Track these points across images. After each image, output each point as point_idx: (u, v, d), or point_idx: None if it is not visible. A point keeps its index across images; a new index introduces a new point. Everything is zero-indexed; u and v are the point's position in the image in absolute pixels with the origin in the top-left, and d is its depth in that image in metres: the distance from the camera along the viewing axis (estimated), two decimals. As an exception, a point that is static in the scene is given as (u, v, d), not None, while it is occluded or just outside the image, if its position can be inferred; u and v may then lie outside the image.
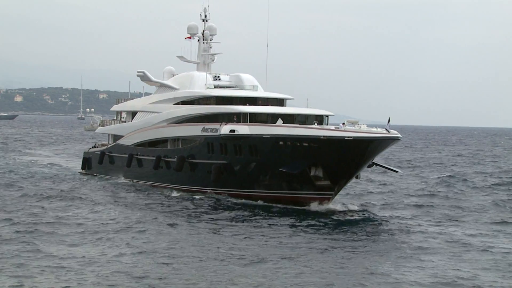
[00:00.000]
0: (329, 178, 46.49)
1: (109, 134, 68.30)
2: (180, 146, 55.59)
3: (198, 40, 61.71)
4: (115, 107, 68.99)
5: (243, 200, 48.83)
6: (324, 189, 46.79)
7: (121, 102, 69.05)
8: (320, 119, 50.94)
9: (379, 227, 40.68)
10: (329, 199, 46.98)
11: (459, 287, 27.69)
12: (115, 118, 70.19)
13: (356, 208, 47.16)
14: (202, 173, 52.29)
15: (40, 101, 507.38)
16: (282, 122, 48.99)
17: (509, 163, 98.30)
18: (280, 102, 55.76)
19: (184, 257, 31.11)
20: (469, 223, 42.59)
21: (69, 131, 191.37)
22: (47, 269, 28.52)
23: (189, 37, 61.76)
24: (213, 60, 61.48)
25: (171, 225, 39.23)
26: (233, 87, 57.89)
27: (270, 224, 40.27)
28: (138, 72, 60.75)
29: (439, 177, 70.28)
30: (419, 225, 41.13)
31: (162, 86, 61.38)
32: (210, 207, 46.27)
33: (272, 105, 54.54)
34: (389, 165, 59.00)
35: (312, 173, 46.64)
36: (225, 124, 49.95)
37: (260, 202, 48.26)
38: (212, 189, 51.56)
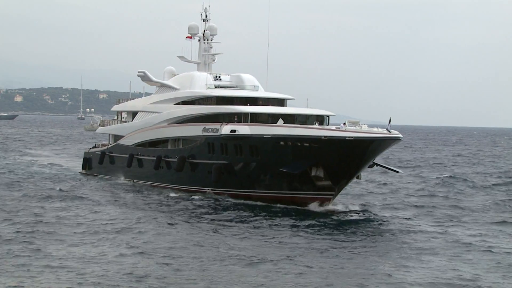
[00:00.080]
0: (330, 178, 46.48)
1: (109, 134, 68.31)
2: (181, 146, 55.59)
3: (199, 40, 61.70)
4: (116, 107, 68.98)
5: (244, 200, 48.82)
6: (325, 189, 46.78)
7: (122, 102, 69.05)
8: (321, 119, 50.93)
9: (380, 227, 40.69)
10: (329, 200, 46.99)
11: (460, 287, 27.70)
12: (115, 118, 70.21)
13: (356, 208, 47.15)
14: (202, 173, 52.28)
15: (40, 101, 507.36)
16: (283, 122, 48.98)
17: (509, 163, 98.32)
18: (280, 102, 55.73)
19: (184, 257, 31.12)
20: (469, 223, 42.60)
21: (69, 131, 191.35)
22: (47, 269, 28.54)
23: (190, 37, 61.76)
24: (213, 60, 61.46)
25: (171, 225, 39.27)
26: (233, 87, 57.87)
27: (270, 224, 40.27)
28: (138, 72, 60.75)
29: (439, 177, 70.31)
30: (419, 225, 41.15)
31: (163, 86, 61.38)
32: (210, 207, 46.27)
33: (272, 105, 54.51)
34: (390, 165, 58.99)
35: (313, 173, 46.64)
36: (226, 124, 49.94)
37: (260, 202, 48.23)
38: (212, 189, 51.59)
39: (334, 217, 43.46)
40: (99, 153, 66.12)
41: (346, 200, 50.27)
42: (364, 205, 48.69)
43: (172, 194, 52.35)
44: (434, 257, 32.43)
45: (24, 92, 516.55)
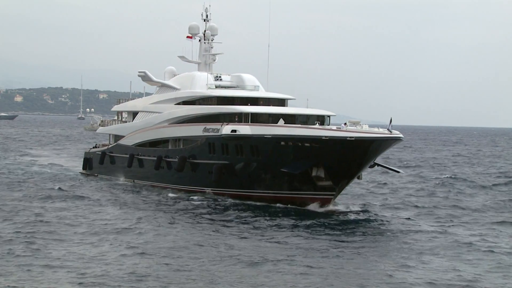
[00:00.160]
0: (330, 178, 46.49)
1: (110, 134, 68.30)
2: (181, 146, 55.58)
3: (199, 40, 61.69)
4: (116, 107, 68.97)
5: (244, 201, 48.81)
6: (325, 190, 46.80)
7: (122, 102, 69.05)
8: (321, 119, 50.90)
9: (380, 227, 40.70)
10: (330, 200, 47.00)
11: (460, 287, 27.72)
12: (115, 118, 70.20)
13: (357, 208, 47.15)
14: (203, 173, 52.28)
15: (40, 101, 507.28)
16: (283, 122, 48.96)
17: (509, 163, 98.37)
18: (281, 102, 55.71)
19: (184, 257, 31.14)
20: (470, 223, 42.61)
21: (69, 131, 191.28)
22: (48, 269, 28.56)
23: (190, 37, 61.73)
24: (214, 60, 61.43)
25: (172, 225, 39.28)
26: (234, 87, 57.85)
27: (270, 225, 40.27)
28: (139, 72, 60.73)
29: (439, 177, 70.36)
30: (420, 225, 41.16)
31: (163, 86, 61.38)
32: (210, 208, 46.28)
33: (273, 105, 54.49)
34: (390, 166, 58.97)
35: (313, 174, 46.63)
36: (227, 124, 49.92)
37: (261, 203, 48.22)
38: (212, 190, 51.58)
39: (335, 217, 43.49)
40: (100, 153, 66.10)
41: (347, 200, 50.31)
42: (365, 205, 48.70)
43: (171, 194, 52.32)
44: (435, 257, 32.45)
45: (24, 92, 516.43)
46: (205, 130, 51.91)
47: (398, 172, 54.43)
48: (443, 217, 44.50)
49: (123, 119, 67.05)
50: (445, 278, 28.70)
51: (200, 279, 27.66)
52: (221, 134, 49.81)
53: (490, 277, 29.26)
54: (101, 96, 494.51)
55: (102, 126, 72.13)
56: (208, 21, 61.86)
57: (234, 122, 50.31)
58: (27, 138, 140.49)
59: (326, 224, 40.95)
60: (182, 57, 61.80)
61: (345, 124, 47.26)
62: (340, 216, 43.96)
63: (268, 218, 42.44)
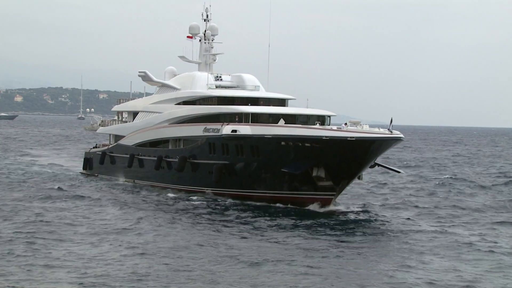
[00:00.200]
0: (331, 178, 46.49)
1: (110, 134, 68.31)
2: (182, 147, 55.59)
3: (200, 40, 61.67)
4: (116, 107, 68.97)
5: (245, 201, 48.82)
6: (326, 190, 46.80)
7: (122, 102, 69.05)
8: (322, 120, 50.88)
9: (380, 227, 40.69)
10: (331, 200, 47.01)
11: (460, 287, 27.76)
12: (115, 118, 70.22)
13: (357, 208, 47.17)
14: (203, 174, 52.28)
15: (40, 101, 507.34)
16: (284, 122, 48.95)
17: (509, 163, 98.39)
18: (281, 102, 55.69)
19: (184, 258, 31.15)
20: (470, 223, 42.61)
21: (69, 131, 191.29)
22: (48, 269, 28.57)
23: (191, 37, 61.72)
24: (214, 60, 61.41)
25: (172, 225, 39.28)
26: (234, 87, 57.82)
27: (270, 225, 40.28)
28: (139, 72, 60.71)
29: (439, 177, 70.38)
30: (420, 225, 41.17)
31: (164, 86, 61.38)
32: (210, 208, 46.29)
33: (273, 105, 54.47)
34: (391, 166, 58.94)
35: (314, 174, 46.63)
36: (227, 124, 49.90)
37: (261, 203, 48.23)
38: (211, 190, 51.57)
39: (335, 217, 43.48)
40: (100, 153, 66.11)
41: (347, 200, 50.32)
42: (365, 205, 48.70)
43: (171, 194, 52.32)
44: (435, 257, 32.45)
45: (24, 92, 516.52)
46: (206, 130, 51.91)
47: (399, 172, 54.36)
48: (443, 217, 44.50)
49: (124, 119, 67.05)
50: (445, 278, 28.70)
51: (200, 279, 27.66)
52: (222, 134, 49.80)
53: (490, 277, 29.26)
54: (101, 96, 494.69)
55: (102, 126, 72.19)
56: (208, 21, 61.84)
57: (235, 122, 50.29)
58: (27, 138, 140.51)
59: (326, 224, 40.96)
60: (182, 57, 61.79)
61: (346, 124, 47.24)
62: (340, 216, 43.96)
63: (268, 218, 42.45)
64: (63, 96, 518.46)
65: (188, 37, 61.69)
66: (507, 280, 28.95)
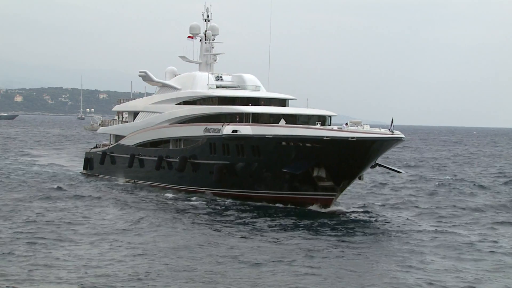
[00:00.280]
0: (332, 178, 46.46)
1: (110, 134, 68.31)
2: (182, 147, 55.57)
3: (200, 40, 61.63)
4: (117, 107, 68.96)
5: (245, 201, 48.81)
6: (327, 190, 46.78)
7: (123, 102, 69.04)
8: (323, 120, 50.84)
9: (380, 227, 40.69)
10: (332, 200, 46.99)
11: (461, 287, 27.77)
12: (115, 118, 70.21)
13: (357, 208, 47.17)
14: (204, 174, 52.26)
15: (40, 101, 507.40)
16: (284, 122, 48.93)
17: (509, 163, 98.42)
18: (282, 102, 55.66)
19: (184, 258, 31.13)
20: (470, 223, 42.61)
21: (69, 131, 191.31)
22: (48, 269, 28.58)
23: (191, 37, 61.71)
24: (215, 60, 61.38)
25: (172, 226, 39.27)
26: (235, 87, 57.79)
27: (271, 225, 40.27)
28: (140, 72, 60.70)
29: (439, 177, 70.40)
30: (420, 225, 41.17)
31: (164, 86, 61.36)
32: (211, 208, 46.28)
33: (274, 105, 54.43)
34: (391, 166, 58.90)
35: (315, 174, 46.58)
36: (228, 125, 49.86)
37: (262, 203, 48.23)
38: (211, 190, 51.54)
39: (335, 217, 43.47)
40: (100, 153, 66.10)
41: (347, 201, 50.31)
42: (365, 206, 48.69)
43: (172, 195, 52.28)
44: (435, 257, 32.45)
45: (24, 92, 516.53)
46: (206, 130, 51.89)
47: (400, 172, 54.27)
48: (444, 217, 44.50)
49: (124, 119, 67.04)
50: (446, 278, 28.71)
51: (200, 279, 27.65)
52: (222, 134, 49.77)
53: (491, 277, 29.25)
54: (101, 96, 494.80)
55: (102, 126, 72.15)
56: (209, 21, 61.82)
57: (235, 122, 50.26)
58: (27, 138, 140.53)
59: (327, 224, 40.95)
60: (183, 57, 61.75)
61: (347, 124, 47.22)
62: (340, 216, 43.96)
63: (268, 218, 42.44)
64: (63, 96, 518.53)
65: (189, 37, 61.67)
66: (508, 280, 28.94)
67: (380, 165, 50.86)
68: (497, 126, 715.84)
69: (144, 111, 62.25)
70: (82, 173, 68.59)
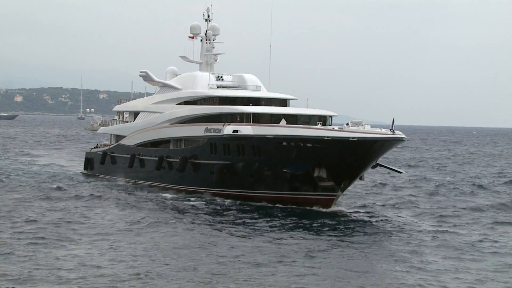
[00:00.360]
0: (332, 179, 46.44)
1: (111, 134, 68.30)
2: (183, 147, 55.55)
3: (201, 40, 61.61)
4: (117, 107, 68.96)
5: (245, 201, 48.80)
6: (327, 190, 46.78)
7: (123, 102, 69.02)
8: (323, 120, 50.80)
9: (381, 227, 40.69)
10: (332, 200, 46.98)
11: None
12: (115, 118, 70.20)
13: (358, 208, 47.15)
14: (204, 174, 52.25)
15: (40, 101, 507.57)
16: (285, 122, 48.91)
17: (509, 163, 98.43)
18: (283, 102, 55.63)
19: (185, 258, 31.14)
20: (470, 223, 42.62)
21: (69, 131, 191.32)
22: (48, 269, 28.57)
23: (192, 37, 61.69)
24: (216, 60, 61.37)
25: (172, 226, 39.24)
26: (236, 87, 57.76)
27: (272, 225, 40.26)
28: (140, 72, 60.69)
29: (439, 177, 70.41)
30: (420, 225, 41.17)
31: (165, 86, 61.33)
32: (211, 208, 46.28)
33: (275, 105, 54.40)
34: (392, 166, 58.88)
35: (315, 174, 46.57)
36: (228, 125, 49.84)
37: (262, 203, 48.22)
38: (211, 190, 51.51)
39: (336, 217, 43.47)
40: (101, 153, 66.09)
41: (348, 201, 50.30)
42: (366, 206, 48.69)
43: (168, 195, 52.23)
44: (436, 257, 32.46)
45: (24, 92, 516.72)
46: (207, 130, 51.87)
47: (401, 172, 54.21)
48: (444, 217, 44.47)
49: (125, 119, 67.04)
50: (446, 278, 28.70)
51: (200, 279, 27.66)
52: (223, 134, 49.74)
53: (492, 277, 29.26)
54: (101, 96, 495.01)
55: (102, 126, 72.15)
56: (209, 21, 61.80)
57: (236, 122, 50.23)
58: (27, 138, 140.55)
59: (327, 224, 40.95)
60: (183, 57, 61.72)
61: (347, 124, 47.21)
62: (341, 217, 43.95)
63: (269, 218, 42.44)
64: (63, 96, 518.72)
65: (189, 37, 61.66)
66: (508, 280, 28.95)
67: (381, 165, 50.83)
68: (497, 126, 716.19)
69: (144, 111, 62.22)
70: (82, 173, 68.59)
